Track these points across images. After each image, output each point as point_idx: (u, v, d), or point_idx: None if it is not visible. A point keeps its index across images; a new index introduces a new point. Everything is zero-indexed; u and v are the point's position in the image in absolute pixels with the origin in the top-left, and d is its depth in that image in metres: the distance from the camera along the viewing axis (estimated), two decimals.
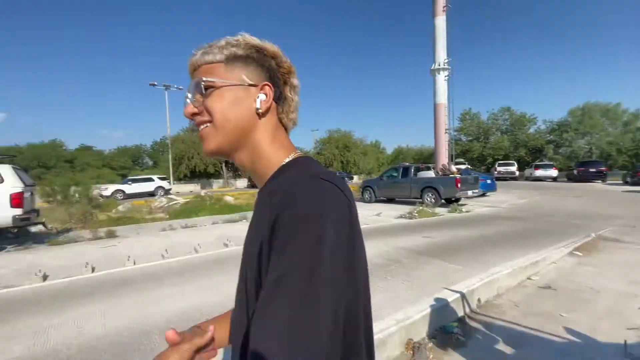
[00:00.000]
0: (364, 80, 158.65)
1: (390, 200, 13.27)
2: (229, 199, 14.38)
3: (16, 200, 6.21)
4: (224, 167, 31.92)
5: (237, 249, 5.67)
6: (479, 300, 3.38)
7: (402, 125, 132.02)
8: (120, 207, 12.59)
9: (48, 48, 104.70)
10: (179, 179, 29.27)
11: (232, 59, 0.58)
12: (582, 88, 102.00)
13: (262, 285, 0.46)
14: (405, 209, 10.37)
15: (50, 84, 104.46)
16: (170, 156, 28.42)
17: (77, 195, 11.64)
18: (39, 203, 9.50)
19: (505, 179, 24.06)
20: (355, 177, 37.06)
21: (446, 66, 19.04)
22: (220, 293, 3.57)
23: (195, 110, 0.59)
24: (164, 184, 22.14)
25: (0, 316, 3.19)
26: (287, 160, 0.59)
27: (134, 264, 4.94)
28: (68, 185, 12.02)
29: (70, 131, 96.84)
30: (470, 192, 11.21)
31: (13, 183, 6.26)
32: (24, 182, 6.53)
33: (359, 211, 0.53)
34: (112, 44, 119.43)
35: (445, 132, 19.08)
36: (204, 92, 0.58)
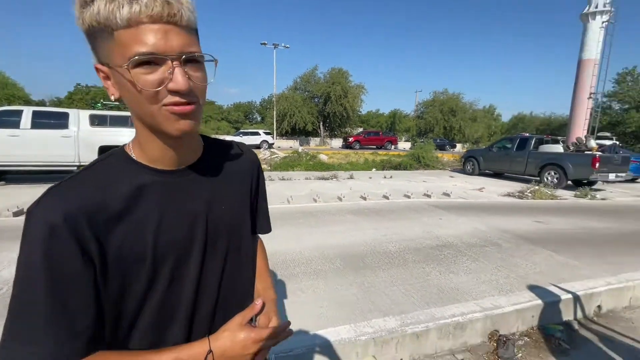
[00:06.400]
0: (481, 33, 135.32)
1: (497, 175, 11.68)
2: (323, 157, 14.88)
3: None
4: (321, 126, 32.91)
5: (324, 205, 5.92)
6: (598, 307, 2.76)
7: (528, 89, 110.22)
8: None
9: None
10: (281, 135, 31.58)
11: (196, 28, 0.49)
12: None
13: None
14: (514, 186, 8.97)
15: None
16: (275, 113, 30.67)
17: None
18: None
19: None
20: (459, 146, 33.54)
21: (607, 8, 14.60)
22: (301, 241, 3.82)
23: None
24: (268, 138, 24.26)
25: None
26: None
27: None
28: None
29: None
30: (612, 176, 8.89)
31: None
32: None
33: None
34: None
35: (589, 98, 15.21)
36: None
